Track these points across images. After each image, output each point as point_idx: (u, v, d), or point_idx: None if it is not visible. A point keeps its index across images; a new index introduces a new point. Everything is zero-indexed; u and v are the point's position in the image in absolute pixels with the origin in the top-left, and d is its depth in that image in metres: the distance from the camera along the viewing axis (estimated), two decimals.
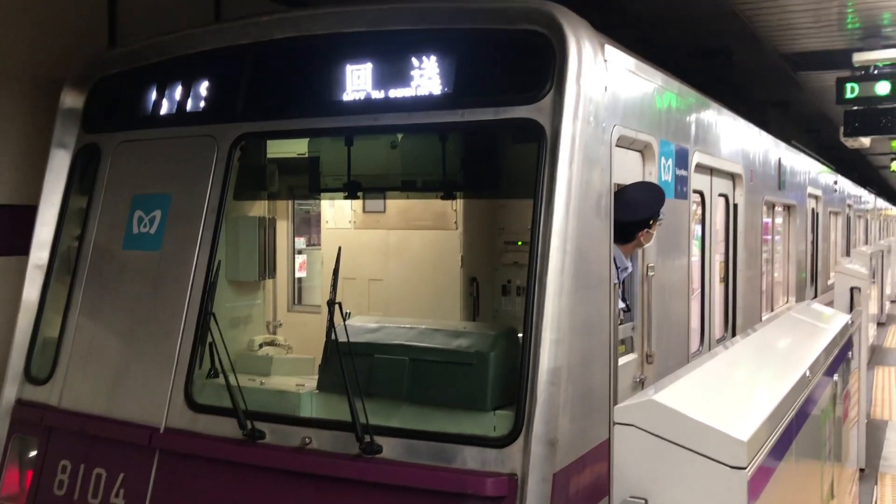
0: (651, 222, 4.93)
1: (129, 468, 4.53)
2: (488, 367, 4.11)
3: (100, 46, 6.00)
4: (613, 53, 4.29)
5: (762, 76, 13.45)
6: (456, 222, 6.13)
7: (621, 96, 4.43)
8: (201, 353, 4.49)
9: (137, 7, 6.37)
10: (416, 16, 4.39)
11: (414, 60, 4.27)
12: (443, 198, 5.21)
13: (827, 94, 14.09)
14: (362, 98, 4.41)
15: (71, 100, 5.46)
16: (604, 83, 4.12)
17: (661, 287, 5.34)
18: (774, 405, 3.19)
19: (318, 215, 6.78)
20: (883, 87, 11.20)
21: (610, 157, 4.21)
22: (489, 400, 4.04)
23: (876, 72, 11.29)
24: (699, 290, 6.49)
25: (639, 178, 5.04)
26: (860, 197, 21.96)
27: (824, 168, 14.41)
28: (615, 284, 4.32)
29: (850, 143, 12.68)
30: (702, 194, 6.46)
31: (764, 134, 8.91)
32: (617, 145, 4.36)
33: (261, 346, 5.49)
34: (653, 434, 2.70)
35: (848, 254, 16.82)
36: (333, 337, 3.96)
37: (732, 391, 3.48)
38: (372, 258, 6.39)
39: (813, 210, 12.61)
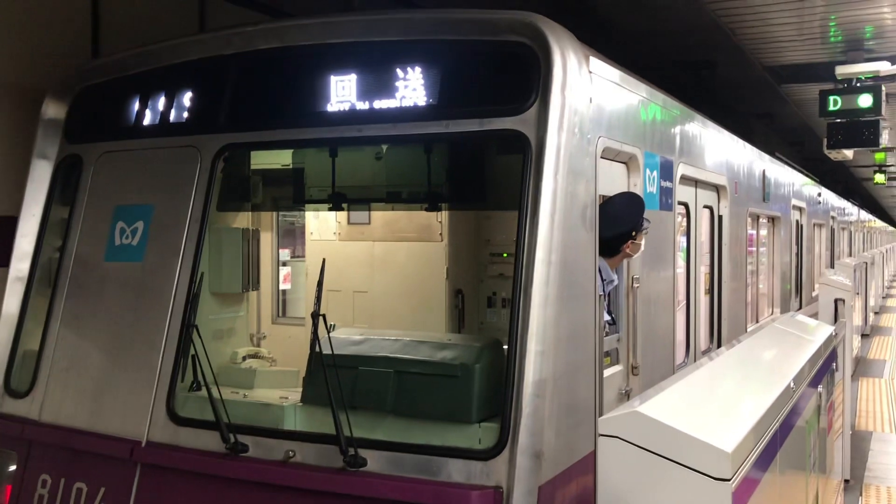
0: (634, 234, 4.93)
1: (111, 482, 4.47)
2: (473, 379, 4.09)
3: (83, 57, 5.97)
4: (598, 65, 4.30)
5: (746, 88, 13.56)
6: (441, 234, 6.12)
7: (606, 108, 4.44)
8: (184, 365, 4.45)
9: (121, 18, 6.35)
10: (401, 27, 4.39)
11: (399, 71, 4.26)
12: (428, 209, 5.20)
13: (810, 107, 14.23)
14: (347, 109, 4.39)
15: (53, 110, 5.42)
16: (589, 95, 4.13)
17: (647, 299, 5.34)
18: (759, 416, 3.18)
19: (303, 227, 6.75)
20: (865, 100, 11.31)
21: (595, 169, 4.22)
22: (474, 412, 4.01)
23: (858, 84, 11.41)
24: (684, 301, 6.50)
25: (624, 190, 5.05)
26: (844, 209, 22.12)
27: (808, 180, 14.51)
28: (600, 296, 4.31)
29: (834, 155, 12.79)
30: (687, 206, 6.48)
31: (748, 146, 8.96)
32: (602, 157, 4.36)
33: (244, 358, 5.45)
34: (638, 446, 2.69)
35: (832, 265, 16.91)
36: (318, 349, 3.94)
37: (717, 402, 3.48)
38: (357, 270, 6.36)
39: (797, 222, 12.69)
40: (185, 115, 4.95)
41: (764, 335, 5.43)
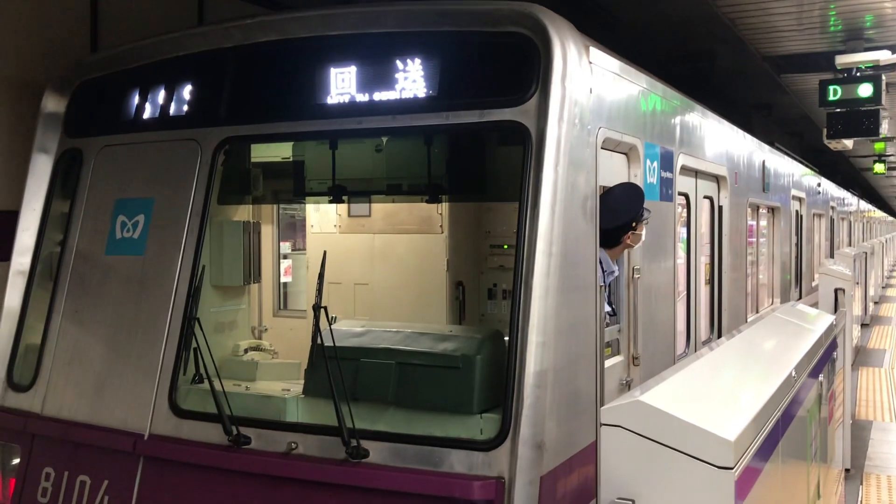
0: (635, 225, 4.93)
1: (114, 475, 4.48)
2: (475, 370, 4.10)
3: (82, 51, 5.96)
4: (598, 56, 4.29)
5: (745, 79, 13.53)
6: (441, 226, 6.12)
7: (606, 99, 4.44)
8: (186, 358, 4.46)
9: (119, 11, 6.34)
10: (401, 18, 4.38)
11: (398, 63, 4.26)
12: (428, 201, 5.20)
13: (810, 97, 14.21)
14: (346, 101, 4.39)
15: (53, 104, 5.42)
16: (589, 85, 4.12)
17: (647, 289, 5.34)
18: (761, 406, 3.19)
19: (304, 220, 6.75)
20: (865, 90, 11.29)
21: (595, 160, 4.22)
22: (476, 403, 4.02)
23: (858, 74, 11.38)
24: (685, 292, 6.51)
25: (624, 181, 5.05)
26: (843, 199, 22.12)
27: (808, 170, 14.50)
28: (601, 287, 4.32)
29: (833, 145, 12.77)
30: (687, 197, 6.48)
31: (748, 136, 8.95)
32: (602, 148, 4.36)
33: (246, 351, 5.46)
34: (640, 435, 2.69)
35: (832, 255, 16.92)
36: (319, 341, 3.95)
37: (719, 392, 3.48)
38: (357, 262, 6.37)
39: (797, 212, 12.69)
40: (185, 108, 4.94)
41: (765, 325, 5.44)
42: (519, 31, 4.04)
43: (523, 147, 3.91)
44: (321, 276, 4.01)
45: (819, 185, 15.81)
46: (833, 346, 5.87)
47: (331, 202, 5.56)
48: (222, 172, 4.82)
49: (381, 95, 4.30)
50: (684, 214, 6.49)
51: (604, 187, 4.62)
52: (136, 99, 5.16)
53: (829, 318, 6.05)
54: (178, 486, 4.29)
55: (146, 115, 5.11)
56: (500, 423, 3.69)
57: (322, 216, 6.57)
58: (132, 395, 4.57)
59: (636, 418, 2.71)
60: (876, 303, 25.86)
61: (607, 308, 4.83)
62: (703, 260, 7.02)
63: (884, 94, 11.43)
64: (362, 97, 4.35)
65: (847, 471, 8.27)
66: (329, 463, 3.90)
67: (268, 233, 6.42)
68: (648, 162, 5.24)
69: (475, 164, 5.04)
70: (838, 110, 11.71)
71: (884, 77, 11.41)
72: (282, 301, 6.74)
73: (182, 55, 5.03)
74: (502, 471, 3.61)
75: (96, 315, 4.92)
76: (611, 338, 5.00)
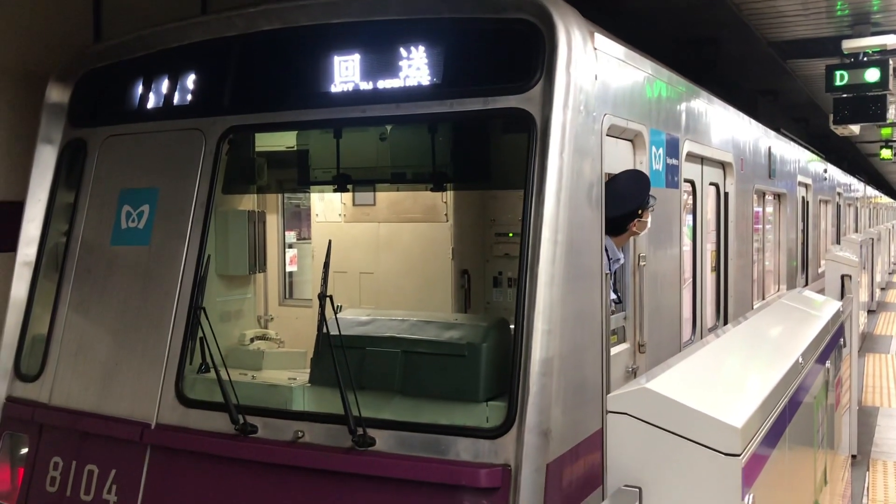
0: (640, 212, 4.91)
1: (121, 464, 4.50)
2: (480, 358, 4.10)
3: (85, 40, 5.95)
4: (603, 42, 4.27)
5: (751, 64, 13.44)
6: (446, 214, 6.11)
7: (611, 85, 4.41)
8: (192, 348, 4.47)
9: (122, 0, 6.32)
10: (404, 5, 4.36)
11: (402, 51, 4.24)
12: (433, 190, 5.19)
13: (816, 82, 14.11)
14: (350, 89, 4.38)
15: (56, 94, 5.41)
16: (594, 72, 4.10)
17: (653, 277, 5.33)
18: (767, 392, 3.18)
19: (308, 209, 6.75)
20: (872, 74, 11.21)
21: (600, 147, 4.20)
22: (481, 391, 4.03)
23: (865, 59, 11.29)
24: (691, 279, 6.49)
25: (630, 168, 5.02)
26: (850, 185, 22.02)
27: (814, 156, 14.43)
28: (607, 274, 4.30)
29: (840, 130, 12.70)
30: (693, 183, 6.46)
31: (754, 123, 8.91)
32: (607, 134, 4.34)
33: (252, 340, 5.48)
34: (646, 422, 2.69)
35: (838, 242, 16.87)
36: (325, 330, 3.94)
37: (725, 379, 3.48)
38: (363, 251, 6.37)
39: (803, 198, 12.64)
40: (189, 97, 4.93)
41: (771, 312, 5.42)
42: (523, 18, 4.01)
43: (528, 134, 3.89)
44: (326, 265, 4.01)
45: (825, 171, 15.74)
46: (840, 332, 5.86)
47: (335, 191, 5.56)
48: (227, 162, 4.81)
49: (384, 83, 4.28)
50: (690, 201, 6.47)
51: (609, 174, 4.60)
52: (140, 89, 5.15)
53: (835, 305, 6.03)
54: (186, 475, 4.31)
55: (150, 104, 5.10)
56: (506, 410, 3.69)
57: (327, 205, 6.56)
58: (139, 384, 4.58)
59: (642, 406, 2.71)
60: (882, 289, 25.79)
61: (613, 296, 4.82)
62: (708, 247, 7.00)
63: (891, 78, 11.35)
64: (366, 85, 4.34)
65: (853, 457, 8.27)
66: (335, 451, 3.90)
67: (273, 222, 6.42)
68: (654, 149, 5.22)
69: (480, 152, 5.02)
70: (845, 95, 11.63)
71: (891, 61, 11.33)
72: (287, 290, 6.75)
73: (185, 44, 5.02)
74: (508, 458, 3.61)
75: (102, 305, 4.93)
76: (617, 325, 5.00)
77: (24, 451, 4.97)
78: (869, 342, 16.22)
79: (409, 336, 4.37)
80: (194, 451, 4.29)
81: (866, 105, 11.50)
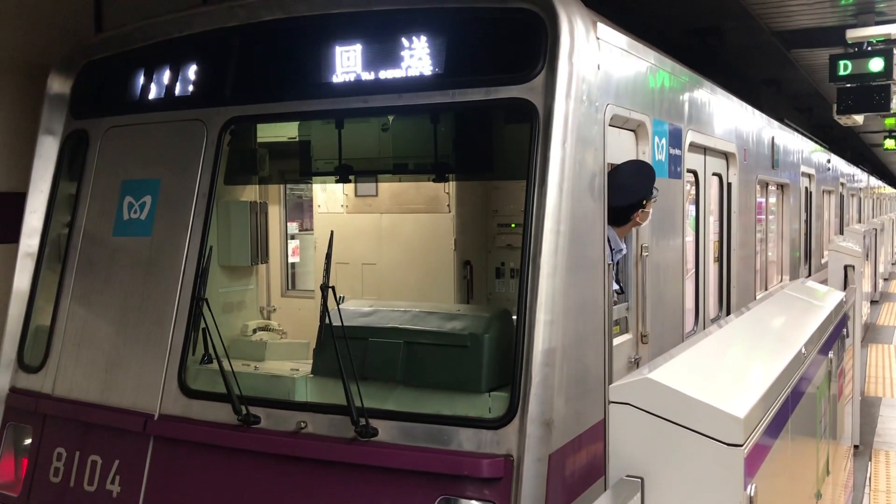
0: (643, 202, 4.90)
1: (125, 455, 4.51)
2: (483, 349, 4.10)
3: (87, 31, 5.94)
4: (606, 32, 4.25)
5: (755, 54, 13.38)
6: (449, 205, 6.10)
7: (614, 75, 4.40)
8: (194, 338, 4.47)
9: None
10: None
11: (404, 41, 4.23)
12: (435, 180, 5.18)
13: (820, 72, 14.07)
14: (352, 80, 4.36)
15: (58, 85, 5.41)
16: (596, 62, 4.08)
17: (656, 267, 5.32)
18: (770, 383, 3.17)
19: (311, 200, 6.74)
20: (876, 64, 11.15)
21: (603, 137, 4.19)
22: (484, 382, 4.03)
23: (869, 48, 11.24)
24: (693, 269, 6.48)
25: (632, 158, 5.01)
26: (853, 175, 21.98)
27: (817, 147, 14.39)
28: (609, 265, 4.30)
29: (844, 120, 12.66)
30: (696, 174, 6.44)
31: (757, 113, 8.88)
32: (610, 125, 4.33)
33: (255, 331, 5.47)
34: (649, 412, 2.68)
35: (841, 232, 16.84)
36: (327, 321, 3.95)
37: (728, 369, 3.47)
38: (365, 242, 6.36)
39: (806, 189, 12.61)
40: (191, 88, 4.92)
41: (774, 302, 5.41)
42: (525, 7, 4.00)
43: (530, 124, 3.88)
44: (329, 256, 4.00)
45: (829, 161, 15.70)
46: (843, 322, 5.85)
47: (337, 182, 5.55)
48: (228, 153, 4.81)
49: (386, 73, 4.27)
50: (693, 192, 6.45)
51: (612, 165, 4.59)
52: (142, 79, 5.14)
53: (838, 295, 6.02)
54: (189, 466, 4.32)
55: (152, 95, 5.09)
56: (508, 401, 3.70)
57: (329, 196, 6.55)
58: (142, 375, 4.59)
59: (645, 396, 2.71)
60: (885, 279, 25.75)
61: (615, 286, 4.81)
62: (711, 237, 6.99)
63: (895, 68, 11.30)
64: (368, 75, 4.32)
65: (856, 447, 8.27)
66: (338, 442, 3.91)
67: (275, 213, 6.41)
68: (657, 139, 5.20)
69: (482, 143, 5.01)
70: (849, 85, 11.58)
71: (895, 51, 11.28)
72: (290, 281, 6.75)
73: (187, 35, 5.01)
74: (511, 449, 3.62)
75: (105, 296, 4.93)
76: (619, 316, 4.99)
77: (28, 441, 4.98)
78: (872, 332, 16.20)
79: (411, 327, 4.37)
80: (197, 441, 4.30)
81: (870, 95, 11.44)
